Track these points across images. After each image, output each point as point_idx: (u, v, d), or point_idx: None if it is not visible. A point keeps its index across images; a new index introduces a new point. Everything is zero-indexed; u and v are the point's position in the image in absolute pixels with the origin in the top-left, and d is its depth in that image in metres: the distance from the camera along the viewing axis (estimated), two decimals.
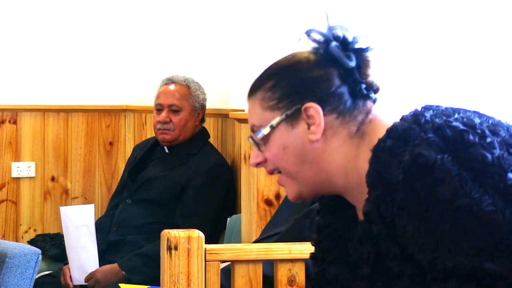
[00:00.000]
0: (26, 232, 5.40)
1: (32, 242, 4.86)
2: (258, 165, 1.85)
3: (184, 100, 4.32)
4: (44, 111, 5.48)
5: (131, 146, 5.29)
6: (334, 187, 1.80)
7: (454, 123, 1.63)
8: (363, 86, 1.77)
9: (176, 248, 2.43)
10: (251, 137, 1.84)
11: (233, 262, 2.56)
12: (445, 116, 1.66)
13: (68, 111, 5.52)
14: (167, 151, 4.40)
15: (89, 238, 4.10)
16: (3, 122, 5.41)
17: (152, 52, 5.41)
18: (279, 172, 1.83)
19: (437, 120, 1.65)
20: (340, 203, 1.89)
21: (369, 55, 1.79)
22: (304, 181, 1.80)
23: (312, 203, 2.91)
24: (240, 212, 3.82)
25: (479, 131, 1.62)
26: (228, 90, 4.43)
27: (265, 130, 1.78)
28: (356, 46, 1.78)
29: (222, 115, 4.43)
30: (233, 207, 4.13)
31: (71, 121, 5.55)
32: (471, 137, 1.60)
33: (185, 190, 4.20)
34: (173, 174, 4.28)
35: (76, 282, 4.10)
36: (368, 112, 1.78)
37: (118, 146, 5.68)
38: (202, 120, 4.39)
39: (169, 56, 5.15)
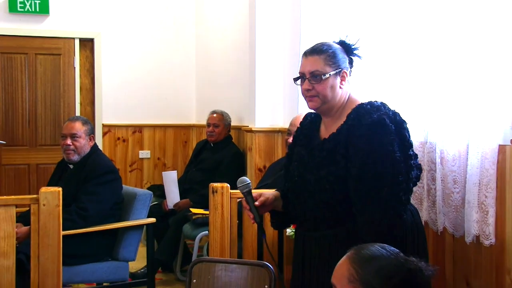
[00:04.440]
0: (146, 183, 5.28)
1: (149, 188, 4.29)
2: (308, 91, 1.73)
3: (220, 121, 4.22)
4: (154, 127, 5.35)
5: (195, 143, 5.08)
6: (330, 112, 1.76)
7: (399, 116, 1.67)
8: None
9: (216, 191, 2.42)
10: (312, 74, 1.70)
11: (242, 199, 2.10)
12: (394, 111, 1.69)
13: (165, 127, 5.37)
14: (212, 145, 4.26)
15: (175, 187, 4.02)
16: (135, 132, 5.28)
17: (205, 98, 5.14)
18: (315, 96, 1.72)
19: (392, 109, 1.69)
20: (317, 126, 1.83)
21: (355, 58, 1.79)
22: (325, 102, 1.73)
23: (281, 169, 2.63)
24: (246, 175, 3.71)
25: (406, 124, 1.68)
26: (241, 116, 4.24)
27: (327, 75, 1.70)
28: (355, 52, 1.78)
29: (238, 128, 4.28)
30: (243, 172, 3.89)
31: (167, 131, 5.38)
32: (404, 125, 1.66)
33: (220, 164, 4.05)
34: (214, 156, 4.15)
35: (169, 207, 4.00)
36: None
37: (189, 144, 5.43)
38: (229, 131, 4.27)
39: (213, 98, 4.86)
